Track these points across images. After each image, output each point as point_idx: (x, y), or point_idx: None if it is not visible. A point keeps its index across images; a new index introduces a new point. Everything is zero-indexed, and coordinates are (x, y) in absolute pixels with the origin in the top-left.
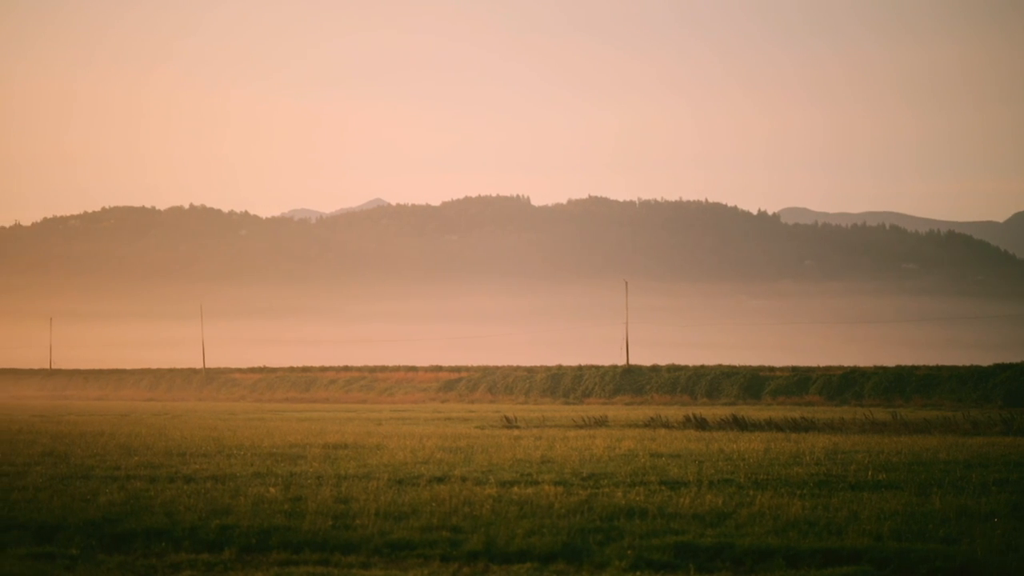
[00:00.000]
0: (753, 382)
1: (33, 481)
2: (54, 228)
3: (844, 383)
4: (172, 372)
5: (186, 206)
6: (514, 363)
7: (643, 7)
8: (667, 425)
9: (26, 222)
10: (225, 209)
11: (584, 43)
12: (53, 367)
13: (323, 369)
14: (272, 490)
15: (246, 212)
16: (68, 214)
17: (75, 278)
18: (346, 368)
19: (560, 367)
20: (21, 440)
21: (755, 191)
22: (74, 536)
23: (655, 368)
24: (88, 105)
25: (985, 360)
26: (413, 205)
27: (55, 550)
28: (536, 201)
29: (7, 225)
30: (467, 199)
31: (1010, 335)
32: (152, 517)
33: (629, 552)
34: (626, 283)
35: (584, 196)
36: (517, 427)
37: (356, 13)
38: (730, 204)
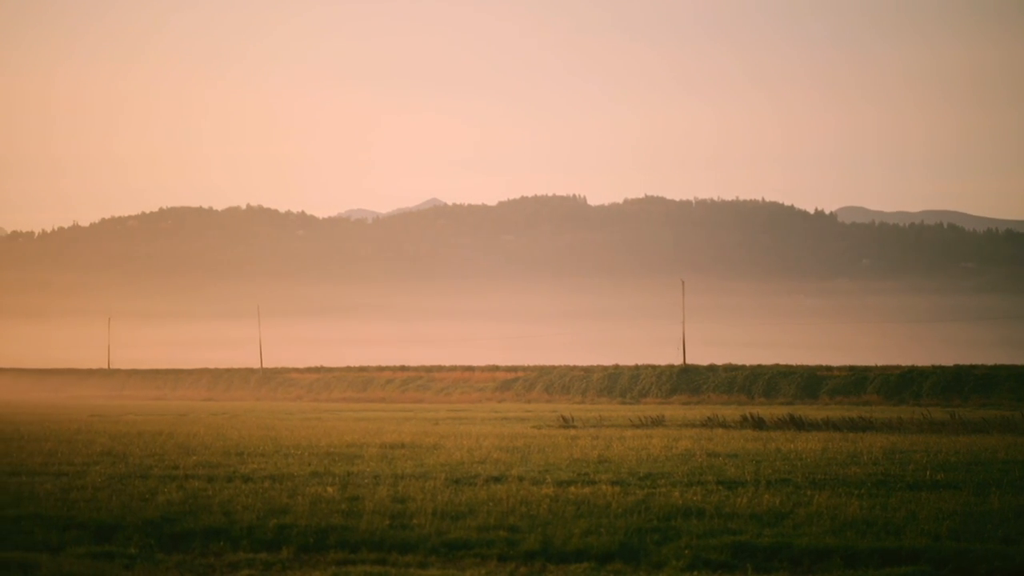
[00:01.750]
0: (810, 382)
1: (92, 481)
2: (112, 228)
3: (902, 382)
4: (230, 372)
5: (243, 206)
6: (571, 363)
7: (698, 6)
8: (724, 425)
9: (84, 223)
10: (282, 209)
11: (640, 42)
12: (111, 367)
13: (380, 369)
14: (330, 489)
15: (303, 212)
16: (126, 214)
17: (133, 278)
18: (403, 368)
19: (617, 367)
20: (80, 440)
21: (812, 190)
22: (133, 535)
23: (712, 368)
24: (145, 106)
25: None
26: (469, 205)
27: (114, 549)
28: (592, 201)
29: (65, 226)
30: (523, 199)
31: None
32: (210, 516)
33: (686, 552)
34: (683, 282)
35: (641, 195)
36: (574, 427)
37: (413, 13)
38: (787, 203)
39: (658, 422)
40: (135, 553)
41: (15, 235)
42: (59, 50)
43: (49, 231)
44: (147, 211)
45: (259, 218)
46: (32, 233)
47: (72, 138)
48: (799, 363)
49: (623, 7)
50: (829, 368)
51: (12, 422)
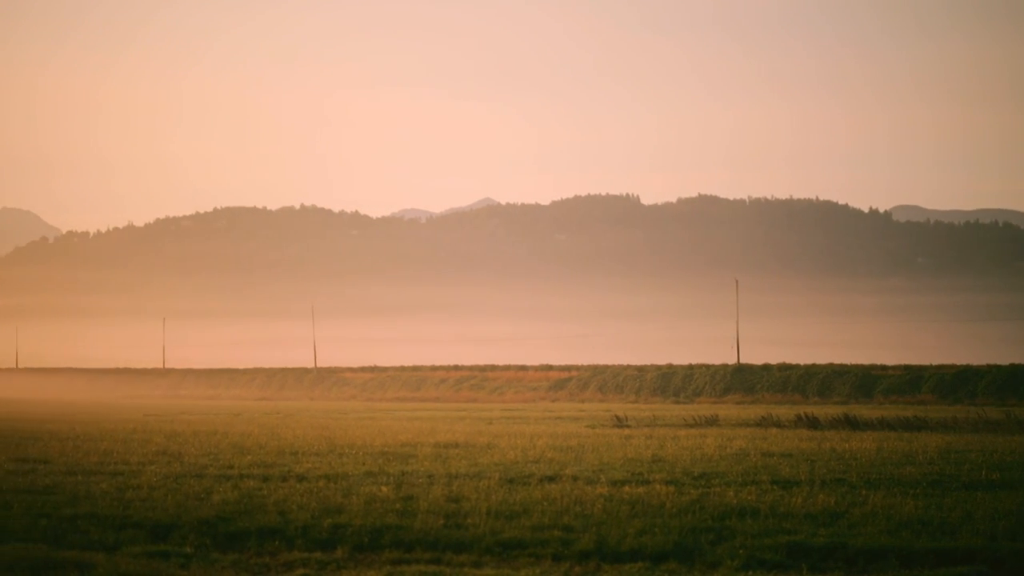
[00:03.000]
0: (865, 381)
1: (148, 480)
2: (166, 228)
3: (957, 382)
4: (284, 371)
5: (297, 206)
6: (624, 362)
7: (754, 5)
8: (778, 424)
9: (139, 223)
10: (336, 209)
11: (695, 41)
12: (166, 367)
13: (433, 368)
14: (384, 489)
15: (356, 212)
16: (180, 214)
17: (187, 278)
18: (456, 367)
19: (670, 366)
20: (136, 439)
21: (866, 189)
22: (188, 535)
23: (766, 367)
24: (199, 107)
25: None
26: (522, 204)
27: (170, 548)
28: (646, 200)
29: (120, 226)
30: (576, 198)
31: None
32: (265, 516)
33: (741, 552)
34: (736, 281)
35: (694, 195)
36: (627, 426)
37: (466, 13)
38: (841, 202)
39: (712, 422)
40: (190, 552)
41: (70, 235)
42: (116, 52)
43: (104, 231)
44: (201, 211)
45: (313, 218)
46: (87, 233)
47: (127, 139)
48: (853, 362)
49: (678, 7)
50: (884, 367)
51: (68, 422)
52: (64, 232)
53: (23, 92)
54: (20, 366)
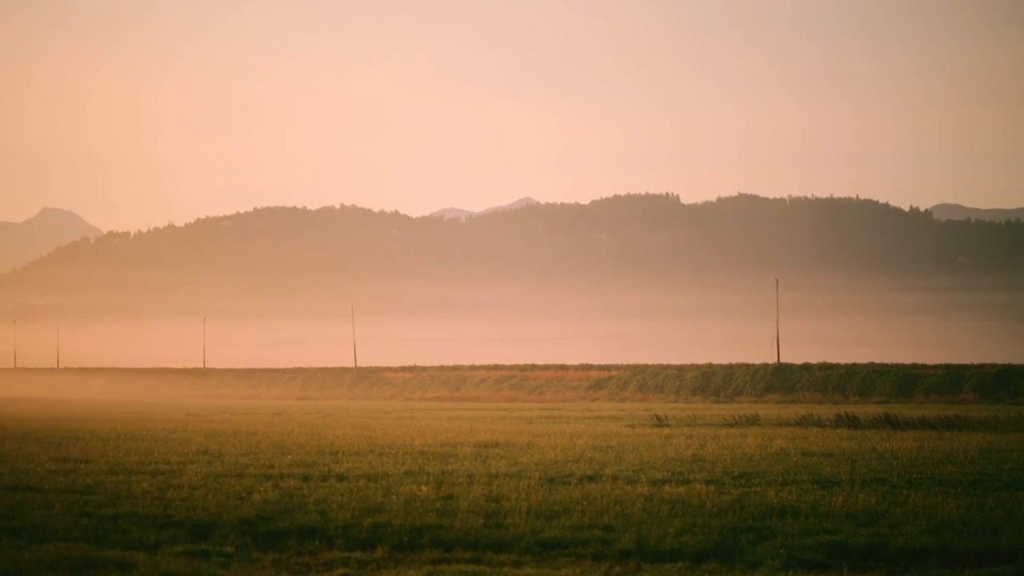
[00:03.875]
0: (905, 380)
1: (188, 479)
2: (207, 229)
3: (998, 381)
4: (324, 371)
5: (337, 206)
6: (664, 362)
7: (794, 5)
8: (819, 424)
9: (179, 223)
10: (376, 209)
11: (733, 40)
12: (207, 366)
13: (473, 368)
14: (424, 488)
15: (396, 212)
16: (220, 215)
17: (227, 278)
18: (496, 367)
19: (710, 365)
20: (176, 439)
21: (908, 187)
22: (229, 534)
23: (806, 366)
24: (239, 108)
25: None
26: (562, 204)
27: (210, 548)
28: (686, 199)
29: (161, 226)
30: (616, 197)
31: None
32: (305, 515)
33: (782, 551)
34: (776, 280)
35: (734, 194)
36: (668, 426)
37: (508, 12)
38: (882, 201)
39: (752, 421)
40: (231, 552)
41: (111, 235)
42: (160, 55)
43: (145, 231)
44: (241, 211)
45: (353, 218)
46: (128, 233)
47: (168, 140)
48: (894, 362)
49: (719, 5)
50: (924, 367)
51: (109, 421)
52: (105, 232)
53: (66, 94)
54: (61, 366)
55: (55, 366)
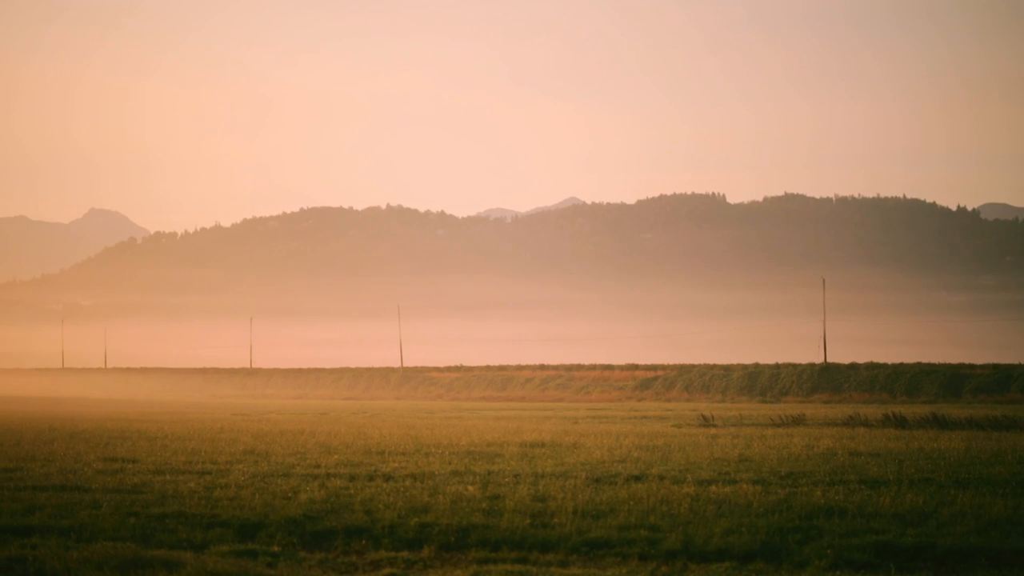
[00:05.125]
0: (953, 380)
1: (235, 479)
2: (253, 229)
3: None
4: (370, 371)
5: (383, 206)
6: (710, 361)
7: (839, 4)
8: (866, 423)
9: (226, 223)
10: (422, 209)
11: (777, 40)
12: (253, 366)
13: (519, 368)
14: (470, 488)
15: (442, 212)
16: (267, 215)
17: (274, 278)
18: (542, 367)
19: (757, 365)
20: (223, 439)
21: (955, 186)
22: (275, 533)
23: (853, 366)
24: (287, 109)
25: None
26: (608, 204)
27: (257, 547)
28: (732, 198)
29: (208, 226)
30: (662, 197)
31: None
32: (352, 515)
33: (828, 551)
34: (823, 280)
35: (780, 193)
36: (714, 425)
37: (553, 12)
38: (929, 200)
39: (799, 421)
40: (278, 551)
41: (158, 236)
42: (206, 58)
43: (191, 232)
44: (288, 211)
45: (399, 218)
46: (175, 234)
47: (215, 141)
48: (941, 361)
49: (764, 5)
50: (972, 366)
51: (156, 421)
52: (152, 233)
53: (115, 96)
54: (108, 366)
55: (102, 366)
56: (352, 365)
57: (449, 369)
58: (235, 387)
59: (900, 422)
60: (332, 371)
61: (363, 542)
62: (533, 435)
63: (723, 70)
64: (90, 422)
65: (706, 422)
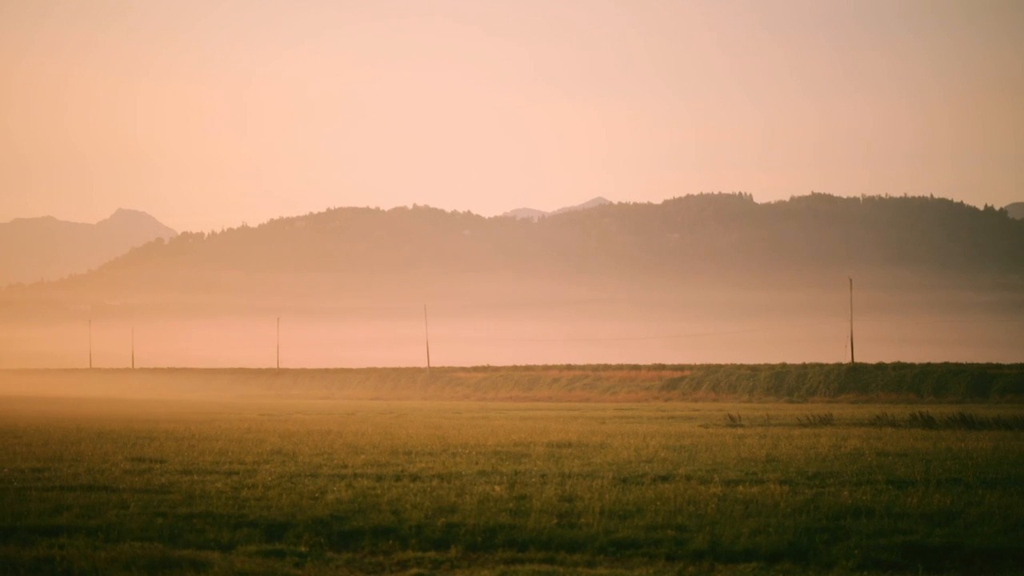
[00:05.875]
0: (981, 380)
1: (262, 479)
2: (280, 229)
3: None
4: (397, 371)
5: (409, 206)
6: (737, 361)
7: (863, 4)
8: (893, 424)
9: (253, 224)
10: (448, 209)
11: (807, 40)
12: (280, 366)
13: (546, 368)
14: (497, 488)
15: (469, 212)
16: (294, 215)
17: (300, 278)
18: (569, 367)
19: (784, 365)
20: (250, 439)
21: (983, 186)
22: (303, 534)
23: (880, 366)
24: (313, 109)
25: None
26: (635, 203)
27: (284, 548)
28: (759, 198)
29: (235, 227)
30: (689, 197)
31: None
32: (379, 515)
33: (856, 552)
34: (850, 280)
35: (807, 193)
36: (741, 425)
37: (579, 13)
38: (956, 199)
39: (826, 421)
40: (305, 551)
41: (185, 236)
42: (233, 59)
43: (219, 232)
44: (315, 211)
45: (425, 218)
46: (202, 234)
47: (241, 141)
48: (969, 361)
49: (789, 6)
50: (999, 366)
51: (183, 421)
52: (179, 233)
53: (141, 97)
54: (135, 366)
55: (130, 366)
56: (379, 365)
57: (476, 369)
58: (262, 387)
59: (928, 422)
60: (359, 371)
61: (390, 542)
62: (560, 435)
63: (751, 70)
64: (118, 422)
65: (733, 422)
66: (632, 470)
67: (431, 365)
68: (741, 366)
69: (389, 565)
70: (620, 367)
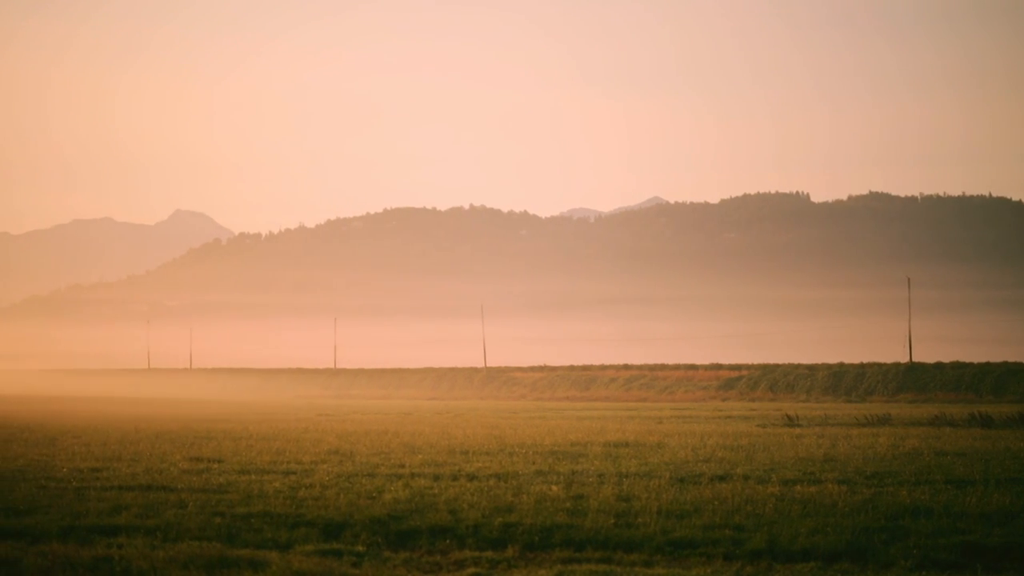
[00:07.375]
0: None
1: (320, 479)
2: (337, 230)
3: None
4: (453, 371)
5: (466, 206)
6: (794, 361)
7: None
8: (952, 423)
9: (310, 224)
10: (505, 209)
11: (863, 39)
12: (337, 366)
13: (603, 368)
14: (554, 488)
15: (525, 212)
16: (351, 216)
17: (358, 278)
18: (626, 367)
19: (842, 365)
20: (308, 439)
21: None
22: (360, 533)
23: (939, 365)
24: (370, 110)
25: None
26: (691, 203)
27: (342, 547)
28: (816, 197)
29: (292, 227)
30: (746, 196)
31: None
32: (436, 515)
33: (914, 551)
34: (908, 279)
35: (865, 192)
36: (798, 425)
37: (636, 14)
38: (1015, 198)
39: (884, 420)
40: (362, 551)
41: (243, 237)
42: (290, 61)
43: (276, 232)
44: (372, 212)
45: (482, 218)
46: (259, 235)
47: (298, 142)
48: None
49: (851, 6)
50: None
51: (241, 421)
52: (236, 234)
53: (198, 99)
54: (194, 366)
55: (188, 366)
56: (436, 365)
57: (532, 369)
58: (319, 387)
59: (986, 422)
60: (416, 371)
61: (447, 542)
62: (617, 435)
63: (808, 69)
64: (175, 422)
65: (791, 422)
66: (689, 470)
67: (488, 365)
68: (799, 366)
69: (446, 564)
70: (677, 367)
